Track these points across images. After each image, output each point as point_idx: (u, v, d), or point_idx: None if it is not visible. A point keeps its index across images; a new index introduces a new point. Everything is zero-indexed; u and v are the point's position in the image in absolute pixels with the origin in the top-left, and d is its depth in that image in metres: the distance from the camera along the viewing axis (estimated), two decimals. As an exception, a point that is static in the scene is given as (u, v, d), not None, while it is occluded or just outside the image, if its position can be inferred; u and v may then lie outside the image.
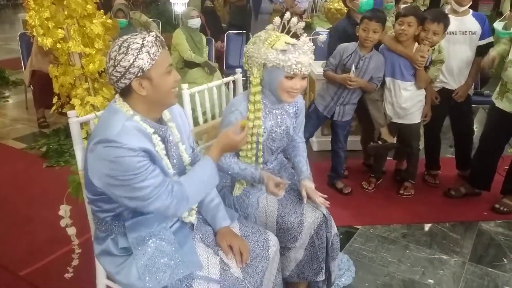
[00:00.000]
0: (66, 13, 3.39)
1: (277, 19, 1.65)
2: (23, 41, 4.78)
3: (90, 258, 1.76)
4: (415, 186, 3.09)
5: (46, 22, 3.38)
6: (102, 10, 3.68)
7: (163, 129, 1.45)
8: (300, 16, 6.72)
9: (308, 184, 1.87)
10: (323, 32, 5.31)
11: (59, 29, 3.42)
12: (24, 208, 2.91)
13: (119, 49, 1.31)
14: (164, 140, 1.46)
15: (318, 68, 3.88)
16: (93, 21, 3.47)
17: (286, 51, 1.60)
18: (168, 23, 9.61)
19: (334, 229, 1.99)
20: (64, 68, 3.61)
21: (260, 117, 1.77)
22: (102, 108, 3.60)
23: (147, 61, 1.30)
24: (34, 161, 3.64)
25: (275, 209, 1.86)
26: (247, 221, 1.77)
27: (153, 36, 1.33)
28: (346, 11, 3.65)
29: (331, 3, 3.79)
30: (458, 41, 2.87)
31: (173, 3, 7.72)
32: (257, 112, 1.76)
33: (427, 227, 2.74)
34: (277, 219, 1.84)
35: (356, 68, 2.73)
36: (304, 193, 1.84)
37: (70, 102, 3.63)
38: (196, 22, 4.41)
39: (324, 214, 1.90)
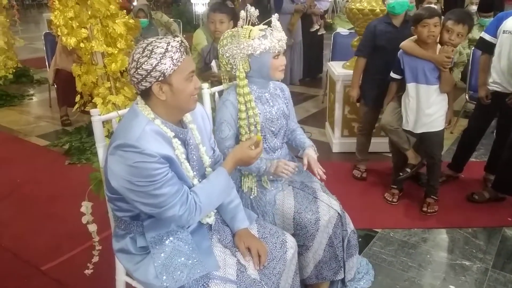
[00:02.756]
0: (89, 13, 3.45)
1: (242, 12, 1.76)
2: (47, 41, 4.89)
3: (110, 255, 1.78)
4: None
5: (70, 21, 3.45)
6: (125, 10, 3.74)
7: (183, 133, 1.46)
8: (321, 17, 6.69)
9: (311, 153, 1.95)
10: (344, 32, 5.29)
11: (82, 29, 3.49)
12: (46, 204, 2.97)
13: (143, 51, 1.31)
14: (184, 143, 1.46)
15: (338, 68, 3.86)
16: (116, 21, 3.53)
17: (266, 35, 1.75)
18: (189, 23, 9.70)
19: (351, 226, 2.00)
20: (87, 67, 3.68)
21: (254, 107, 1.83)
22: (124, 107, 3.65)
23: (169, 67, 1.31)
24: (57, 158, 3.72)
25: (291, 205, 1.88)
26: (265, 223, 1.77)
27: (177, 41, 1.33)
28: (368, 11, 3.61)
29: (352, 3, 3.74)
30: None
31: (194, 3, 7.79)
32: (249, 103, 1.83)
33: (449, 232, 2.68)
34: (294, 215, 1.85)
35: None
36: (305, 161, 1.91)
37: (93, 101, 3.70)
38: (216, 22, 4.41)
39: (338, 213, 1.91)
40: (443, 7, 5.28)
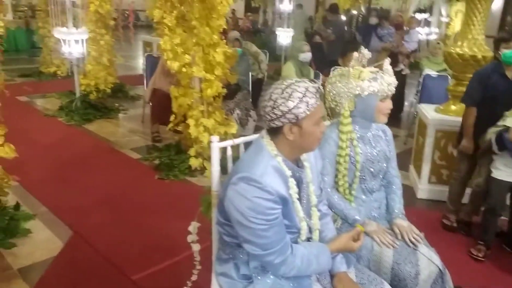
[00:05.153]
0: (194, 40, 3.70)
1: (355, 54, 1.84)
2: (148, 62, 5.27)
3: (204, 275, 1.84)
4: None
5: (176, 47, 3.72)
6: (225, 40, 3.96)
7: (299, 171, 1.51)
8: (407, 56, 6.59)
9: (400, 222, 1.89)
10: (434, 74, 5.14)
11: (186, 55, 3.74)
12: (138, 214, 3.14)
13: (282, 93, 1.38)
14: (298, 182, 1.50)
15: (430, 112, 3.74)
16: (217, 50, 3.75)
17: (376, 78, 1.79)
18: (270, 54, 9.96)
19: (450, 284, 1.88)
20: (184, 90, 3.92)
21: (356, 145, 1.86)
22: (213, 130, 3.82)
23: (304, 111, 1.37)
24: (147, 172, 3.94)
25: (390, 254, 1.81)
26: (363, 268, 1.74)
27: (315, 87, 1.40)
28: (469, 56, 3.48)
29: (452, 47, 3.64)
30: None
31: (278, 35, 8.00)
32: (353, 141, 1.86)
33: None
34: (392, 265, 1.79)
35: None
36: (396, 231, 1.87)
37: (186, 122, 3.91)
38: (307, 57, 4.53)
39: (440, 269, 1.80)
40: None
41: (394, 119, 6.16)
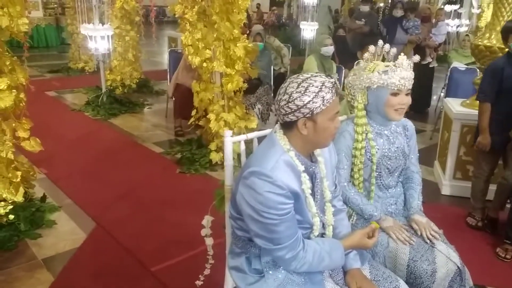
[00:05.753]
0: (215, 35, 3.71)
1: (372, 47, 1.79)
2: (171, 57, 5.33)
3: (218, 269, 1.86)
4: None
5: (197, 42, 3.75)
6: (246, 35, 3.95)
7: (312, 166, 1.49)
8: (434, 49, 6.41)
9: (418, 218, 1.87)
10: (462, 67, 4.98)
11: (207, 50, 3.76)
12: (158, 208, 3.19)
13: (297, 87, 1.36)
14: (312, 177, 1.49)
15: (456, 106, 3.64)
16: (237, 45, 3.75)
17: (388, 71, 1.74)
18: (294, 48, 9.90)
19: (470, 283, 1.84)
20: (206, 85, 3.95)
21: (371, 138, 1.84)
22: (234, 125, 3.83)
23: (319, 106, 1.35)
24: (169, 165, 3.99)
25: (406, 251, 1.77)
26: (377, 264, 1.71)
27: (331, 82, 1.38)
28: (497, 48, 3.36)
29: (479, 39, 3.52)
30: None
31: (303, 29, 7.93)
32: (368, 134, 1.84)
33: None
34: (408, 262, 1.75)
35: None
36: (415, 227, 1.85)
37: (207, 116, 3.95)
38: (329, 50, 4.46)
39: (458, 267, 1.76)
40: None
41: (421, 113, 6.04)
